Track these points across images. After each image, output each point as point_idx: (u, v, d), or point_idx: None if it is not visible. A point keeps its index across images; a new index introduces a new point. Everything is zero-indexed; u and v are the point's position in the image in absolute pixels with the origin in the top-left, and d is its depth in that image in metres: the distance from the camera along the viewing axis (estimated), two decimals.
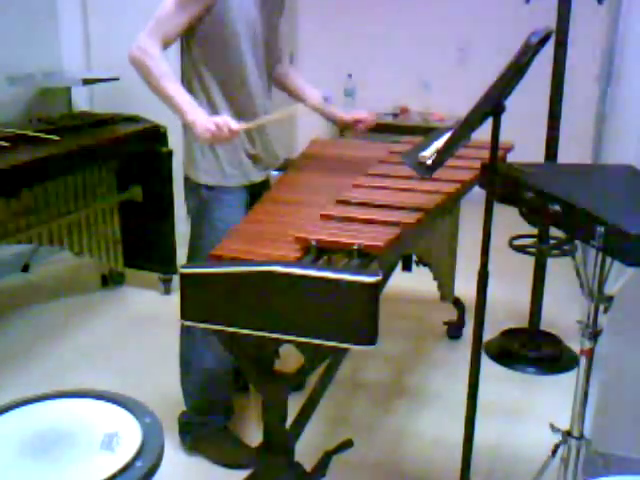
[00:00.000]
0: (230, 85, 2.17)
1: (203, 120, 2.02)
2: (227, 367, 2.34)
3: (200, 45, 2.13)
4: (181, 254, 3.56)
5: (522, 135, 3.22)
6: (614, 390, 2.25)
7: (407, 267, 3.21)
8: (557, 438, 1.93)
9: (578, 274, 1.79)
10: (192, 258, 2.27)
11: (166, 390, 2.51)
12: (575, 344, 2.77)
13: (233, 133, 2.03)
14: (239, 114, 2.17)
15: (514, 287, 3.46)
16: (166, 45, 2.09)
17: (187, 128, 2.17)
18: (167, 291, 3.67)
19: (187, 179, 2.27)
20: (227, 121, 2.01)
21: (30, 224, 3.14)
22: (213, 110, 2.16)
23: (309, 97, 2.47)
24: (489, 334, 3.16)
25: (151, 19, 2.07)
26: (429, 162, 1.82)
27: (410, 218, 1.87)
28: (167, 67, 2.06)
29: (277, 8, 2.25)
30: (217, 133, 2.00)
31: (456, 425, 2.03)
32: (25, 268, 3.93)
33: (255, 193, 2.25)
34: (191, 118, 2.03)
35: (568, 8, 2.74)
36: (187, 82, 2.20)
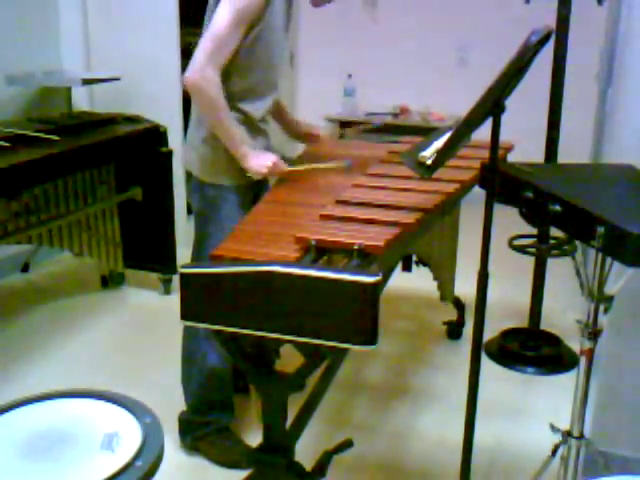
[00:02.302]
0: (251, 95, 2.18)
1: (259, 156, 2.16)
2: (228, 367, 2.34)
3: (233, 57, 2.10)
4: (181, 254, 3.57)
5: (522, 135, 3.22)
6: (614, 390, 2.25)
7: (407, 267, 3.21)
8: (557, 438, 1.93)
9: (578, 274, 1.79)
10: (198, 257, 2.27)
11: (166, 390, 2.51)
12: (575, 344, 2.77)
13: (283, 173, 2.20)
14: (249, 125, 2.21)
15: (514, 287, 3.46)
16: (222, 68, 2.06)
17: (201, 134, 2.19)
18: (167, 291, 3.67)
19: (191, 177, 2.27)
20: (279, 162, 2.18)
21: (30, 224, 3.14)
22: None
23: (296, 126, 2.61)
24: (489, 334, 3.16)
25: (207, 41, 2.01)
26: (429, 162, 1.82)
27: (410, 218, 1.87)
28: (224, 99, 2.07)
29: (291, 12, 2.25)
30: (273, 170, 2.16)
31: (456, 425, 2.03)
32: (25, 268, 3.93)
33: (257, 191, 2.27)
34: (243, 152, 2.14)
35: (568, 8, 2.74)
36: None
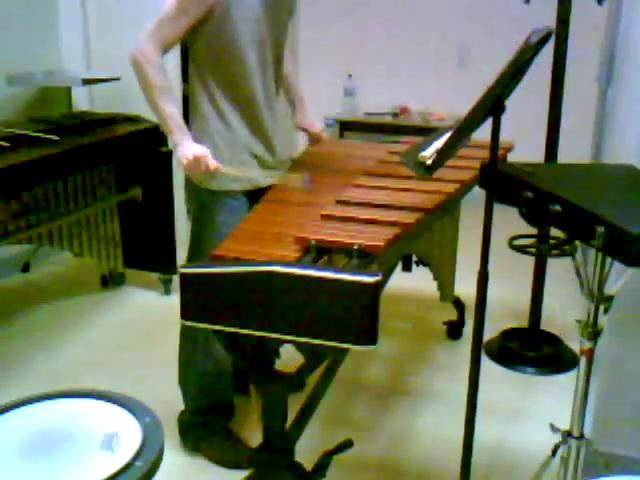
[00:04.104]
0: (234, 90, 2.15)
1: (186, 147, 2.05)
2: (227, 368, 2.34)
3: (204, 50, 2.12)
4: (181, 254, 3.56)
5: (522, 135, 3.22)
6: (614, 390, 2.25)
7: (407, 267, 3.21)
8: (557, 438, 1.93)
9: (578, 274, 1.79)
10: (192, 261, 2.26)
11: (166, 390, 2.51)
12: (575, 344, 2.77)
13: (209, 170, 2.05)
14: (246, 121, 2.19)
15: (514, 287, 3.46)
16: (166, 49, 2.08)
17: (195, 133, 2.18)
18: (167, 291, 3.67)
19: (188, 182, 2.27)
20: (207, 158, 2.04)
21: (30, 224, 3.14)
22: (223, 120, 2.16)
23: (297, 114, 2.56)
24: (489, 334, 3.16)
25: (153, 20, 2.05)
26: (429, 162, 1.82)
27: (410, 218, 1.87)
28: (165, 78, 2.05)
29: (286, 7, 2.23)
30: (193, 165, 2.03)
31: (456, 425, 2.03)
32: (25, 268, 3.93)
33: (256, 196, 2.24)
34: (175, 139, 2.06)
35: (568, 8, 2.74)
36: (193, 92, 2.19)
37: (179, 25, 2.05)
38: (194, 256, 2.26)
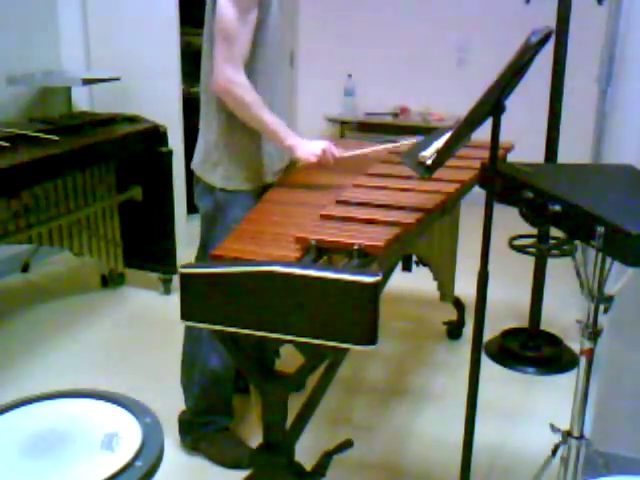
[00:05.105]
0: (253, 85, 2.16)
1: (306, 145, 2.11)
2: (230, 368, 2.34)
3: None
4: (181, 254, 3.57)
5: (522, 135, 3.22)
6: (614, 390, 2.25)
7: (407, 267, 3.21)
8: (557, 438, 1.93)
9: (578, 274, 1.79)
10: (203, 259, 2.27)
11: (166, 390, 2.51)
12: (575, 344, 2.77)
13: (336, 159, 2.13)
14: None
15: (514, 287, 3.46)
16: (244, 61, 2.04)
17: (208, 130, 2.19)
18: (167, 291, 3.67)
19: (200, 181, 2.26)
20: (331, 147, 2.12)
21: (30, 224, 3.14)
22: (235, 122, 2.15)
23: None
24: (489, 334, 3.16)
25: (218, 43, 2.01)
26: (429, 162, 1.82)
27: (410, 218, 1.87)
28: (255, 94, 2.05)
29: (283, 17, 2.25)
30: (322, 158, 2.11)
31: (456, 425, 2.03)
32: (25, 268, 3.93)
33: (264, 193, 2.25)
34: (290, 143, 2.11)
35: (568, 8, 2.74)
36: (205, 91, 2.18)
37: (246, 31, 2.02)
38: (205, 254, 2.26)
